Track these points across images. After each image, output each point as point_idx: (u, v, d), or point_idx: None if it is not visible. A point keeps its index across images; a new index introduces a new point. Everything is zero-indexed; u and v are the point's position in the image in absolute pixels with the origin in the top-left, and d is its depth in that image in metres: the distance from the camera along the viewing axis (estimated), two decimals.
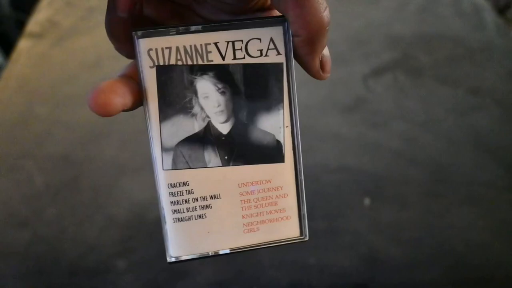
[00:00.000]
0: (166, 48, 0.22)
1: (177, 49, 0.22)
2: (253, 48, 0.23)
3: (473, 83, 0.77)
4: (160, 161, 0.23)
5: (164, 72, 0.22)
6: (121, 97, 0.22)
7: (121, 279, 0.52)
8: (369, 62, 0.81)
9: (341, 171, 0.63)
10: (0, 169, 0.64)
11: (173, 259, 0.24)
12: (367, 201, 0.59)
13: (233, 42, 0.23)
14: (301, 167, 0.25)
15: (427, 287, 0.52)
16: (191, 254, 0.24)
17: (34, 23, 0.91)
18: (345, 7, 0.95)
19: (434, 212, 0.58)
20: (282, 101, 0.24)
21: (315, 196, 0.60)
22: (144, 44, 0.22)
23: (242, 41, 0.23)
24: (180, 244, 0.24)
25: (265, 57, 0.23)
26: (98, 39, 0.86)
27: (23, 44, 0.85)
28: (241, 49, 0.23)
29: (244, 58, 0.23)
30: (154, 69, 0.22)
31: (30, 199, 0.60)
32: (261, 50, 0.23)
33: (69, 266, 0.53)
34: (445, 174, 0.63)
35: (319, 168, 0.63)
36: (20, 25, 1.07)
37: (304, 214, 0.25)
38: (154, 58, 0.22)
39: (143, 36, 0.22)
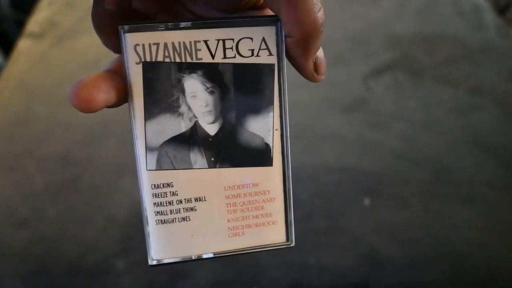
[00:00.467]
0: (154, 44, 0.21)
1: (165, 45, 0.21)
2: (244, 48, 0.22)
3: (473, 83, 0.77)
4: (144, 161, 0.23)
5: (150, 69, 0.22)
6: (105, 93, 0.21)
7: (121, 279, 0.52)
8: (369, 62, 0.81)
9: (341, 171, 0.63)
10: (0, 169, 0.64)
11: (154, 262, 0.23)
12: (367, 201, 0.59)
13: (223, 41, 0.22)
14: (290, 171, 0.24)
15: (427, 287, 0.52)
16: (173, 258, 0.23)
17: (34, 23, 0.91)
18: (345, 7, 0.95)
19: (434, 212, 0.58)
20: (273, 103, 0.23)
21: (315, 196, 0.60)
22: (130, 39, 0.21)
23: (233, 39, 0.22)
24: (162, 247, 0.23)
25: (257, 57, 0.22)
26: (98, 39, 0.86)
27: (23, 44, 0.85)
28: (231, 48, 0.22)
29: (234, 57, 0.22)
30: (141, 65, 0.22)
31: (30, 199, 0.60)
32: (252, 50, 0.22)
33: (69, 266, 0.53)
34: (445, 174, 0.63)
35: (319, 168, 0.63)
36: (20, 25, 1.07)
37: (291, 220, 0.25)
38: (141, 54, 0.21)
39: (130, 31, 0.21)
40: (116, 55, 0.24)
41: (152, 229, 0.23)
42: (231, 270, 0.52)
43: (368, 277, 0.52)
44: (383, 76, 0.79)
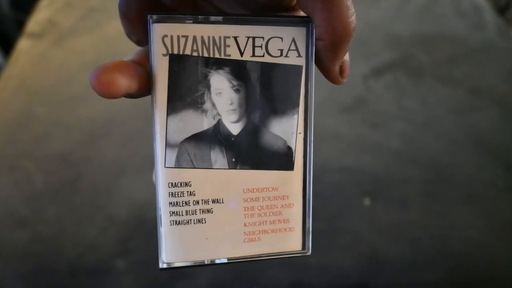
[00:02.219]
0: (183, 36, 0.21)
1: (194, 38, 0.21)
2: (273, 47, 0.22)
3: (473, 83, 0.77)
4: (163, 157, 0.22)
5: (177, 62, 0.21)
6: (127, 79, 0.20)
7: (121, 279, 0.52)
8: (369, 62, 0.81)
9: (341, 171, 0.63)
10: (0, 169, 0.64)
11: (165, 265, 0.22)
12: (367, 201, 0.59)
13: (253, 38, 0.21)
14: (311, 177, 0.23)
15: (427, 287, 0.52)
16: (185, 261, 0.22)
17: (34, 23, 0.91)
18: None
19: (434, 212, 0.58)
20: (298, 105, 0.22)
21: (315, 196, 0.59)
22: (159, 30, 0.21)
23: (263, 38, 0.21)
24: (174, 250, 0.22)
25: (285, 58, 0.22)
26: (98, 39, 0.86)
27: (23, 44, 0.85)
28: (261, 46, 0.21)
29: (263, 56, 0.22)
30: (167, 57, 0.21)
31: (30, 199, 0.60)
32: (281, 50, 0.22)
33: (69, 266, 0.53)
34: (445, 174, 0.63)
35: (319, 168, 0.63)
36: (20, 25, 1.07)
37: (308, 228, 0.24)
38: (169, 45, 0.21)
39: (159, 21, 0.21)
40: (138, 48, 0.23)
41: (166, 230, 0.22)
42: (231, 270, 0.52)
43: (368, 277, 0.52)
44: (383, 76, 0.79)
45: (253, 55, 0.22)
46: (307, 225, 0.24)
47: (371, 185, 0.61)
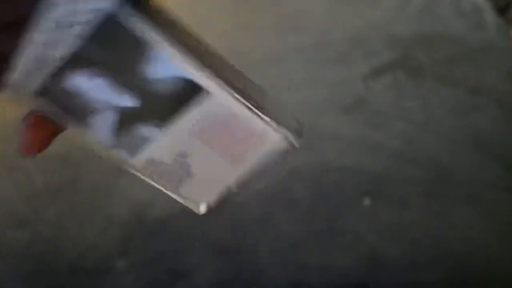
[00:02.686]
0: (24, 99, 0.21)
1: (28, 97, 0.21)
2: (63, 13, 0.18)
3: (473, 83, 0.77)
4: (120, 157, 0.23)
5: (45, 109, 0.21)
6: (43, 134, 0.21)
7: (121, 279, 0.52)
8: (369, 62, 0.81)
9: (341, 171, 0.63)
10: (0, 169, 0.64)
11: (204, 209, 0.24)
12: (367, 201, 0.59)
13: (53, 22, 0.18)
14: (236, 85, 0.21)
15: (427, 287, 0.52)
16: (213, 200, 0.24)
17: None
18: (345, 7, 0.95)
19: (434, 212, 0.58)
20: (143, 40, 0.19)
21: (315, 196, 0.60)
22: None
23: (46, 18, 0.18)
24: (198, 199, 0.24)
25: (93, 6, 0.18)
26: None
27: None
28: (67, 22, 0.18)
29: (75, 27, 0.18)
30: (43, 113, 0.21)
31: (30, 199, 0.60)
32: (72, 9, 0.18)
33: (69, 266, 0.53)
34: (445, 174, 0.63)
35: (319, 168, 0.63)
36: None
37: (274, 122, 0.22)
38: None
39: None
40: None
41: (177, 195, 0.23)
42: (231, 270, 0.52)
43: (368, 277, 0.52)
44: (383, 76, 0.79)
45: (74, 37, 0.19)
46: (273, 122, 0.22)
47: (371, 185, 0.61)
